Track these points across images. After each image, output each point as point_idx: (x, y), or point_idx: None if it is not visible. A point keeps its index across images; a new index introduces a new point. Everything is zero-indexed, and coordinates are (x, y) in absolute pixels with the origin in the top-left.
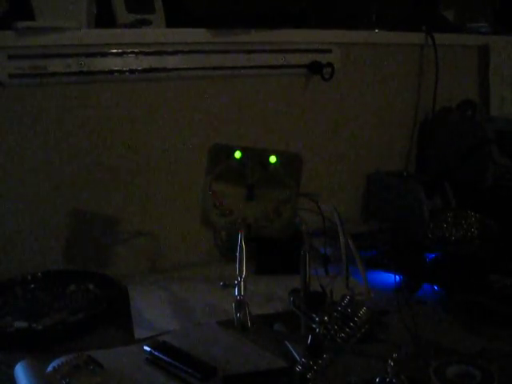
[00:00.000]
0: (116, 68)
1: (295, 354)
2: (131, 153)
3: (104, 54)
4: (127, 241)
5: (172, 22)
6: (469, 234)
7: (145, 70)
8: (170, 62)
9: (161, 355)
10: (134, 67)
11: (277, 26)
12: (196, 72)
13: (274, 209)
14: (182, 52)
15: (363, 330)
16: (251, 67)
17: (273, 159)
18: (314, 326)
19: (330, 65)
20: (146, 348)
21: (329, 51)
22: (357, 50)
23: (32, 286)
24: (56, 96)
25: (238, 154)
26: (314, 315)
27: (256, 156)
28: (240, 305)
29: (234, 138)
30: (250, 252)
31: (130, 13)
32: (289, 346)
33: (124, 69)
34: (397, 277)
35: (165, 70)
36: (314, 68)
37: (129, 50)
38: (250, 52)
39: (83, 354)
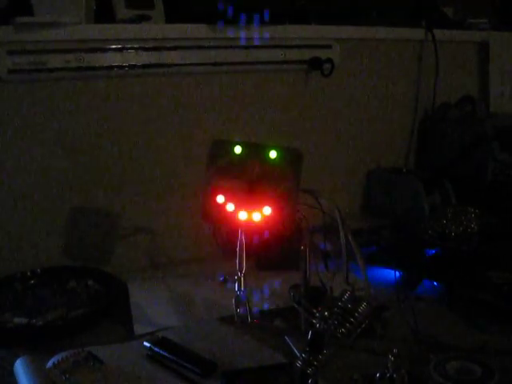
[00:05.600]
0: (115, 63)
1: (295, 349)
2: (130, 149)
3: (103, 50)
4: (127, 237)
5: (171, 17)
6: (468, 229)
7: (144, 66)
8: (170, 57)
9: (161, 351)
10: (133, 63)
11: (277, 21)
12: (196, 68)
13: None
14: (182, 47)
15: (363, 326)
16: (251, 63)
17: (273, 154)
18: (314, 321)
19: (329, 60)
20: (146, 344)
21: (329, 47)
22: (356, 46)
23: (32, 282)
24: (55, 92)
25: (238, 150)
26: (314, 311)
27: (256, 151)
28: (240, 300)
29: (234, 134)
30: (250, 248)
31: (130, 8)
32: (289, 341)
33: (123, 64)
34: (397, 273)
35: (164, 65)
36: (314, 64)
37: (128, 46)
38: (249, 48)
39: (83, 350)
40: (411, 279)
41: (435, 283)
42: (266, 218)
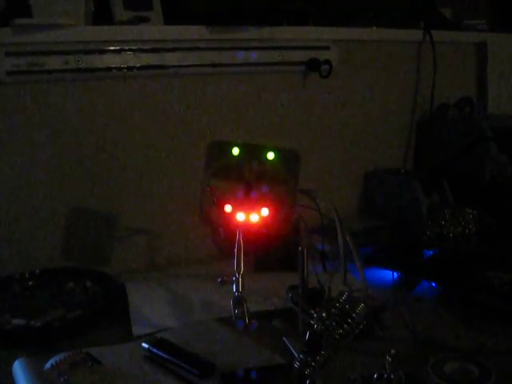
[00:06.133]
0: (114, 65)
1: (293, 350)
2: (129, 149)
3: (102, 51)
4: (125, 238)
5: (170, 19)
6: (466, 230)
7: (143, 67)
8: (168, 59)
9: (159, 352)
10: (131, 64)
11: (275, 23)
12: (194, 69)
13: None
14: (180, 49)
15: (361, 327)
16: (249, 64)
17: (271, 156)
18: (311, 322)
19: (327, 62)
20: (144, 345)
21: (327, 48)
22: (355, 47)
23: (30, 283)
24: (54, 93)
25: (236, 151)
26: (312, 312)
27: (254, 152)
28: (238, 301)
29: (232, 135)
30: (248, 249)
31: (128, 10)
32: (287, 342)
33: (122, 66)
34: (395, 273)
35: (163, 67)
36: (312, 65)
37: (127, 47)
38: (247, 49)
39: (81, 351)
40: (409, 280)
41: (433, 284)
42: (263, 219)
